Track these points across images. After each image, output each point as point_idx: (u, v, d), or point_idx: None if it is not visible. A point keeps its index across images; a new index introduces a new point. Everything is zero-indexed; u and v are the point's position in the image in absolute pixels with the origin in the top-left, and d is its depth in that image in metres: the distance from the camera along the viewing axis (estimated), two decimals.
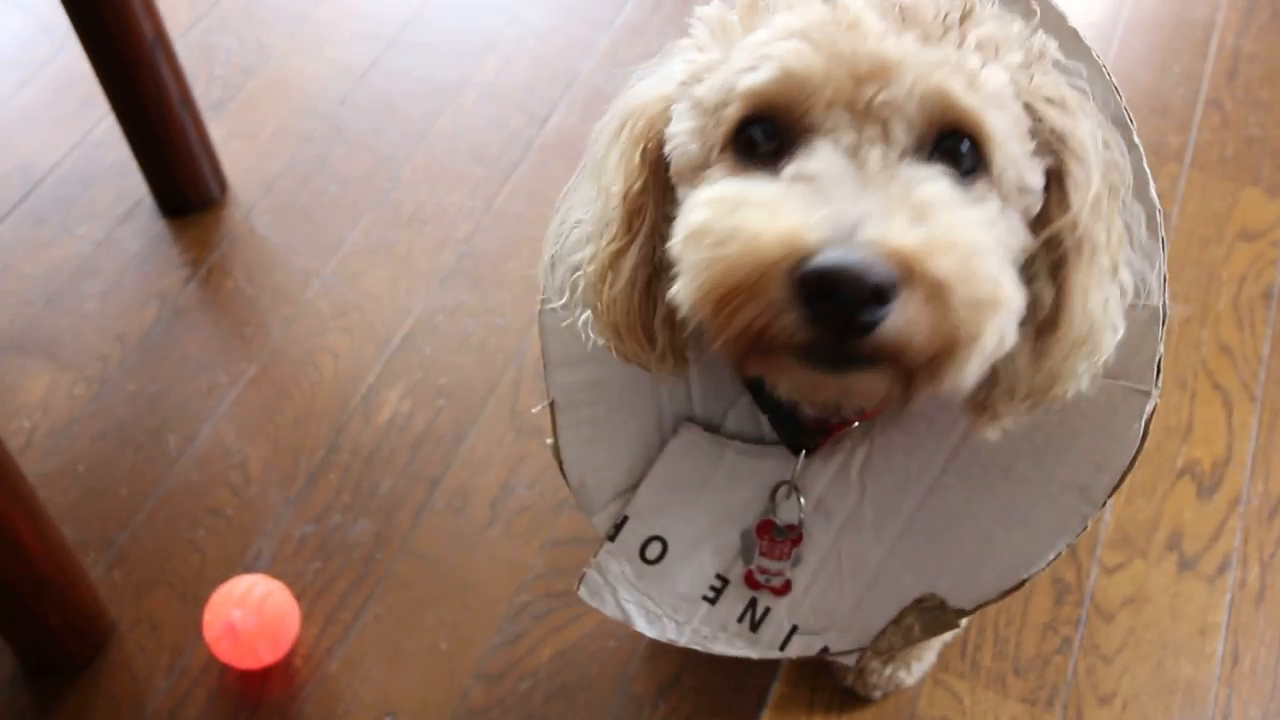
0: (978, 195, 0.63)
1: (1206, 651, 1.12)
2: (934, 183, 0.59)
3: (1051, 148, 0.65)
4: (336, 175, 1.53)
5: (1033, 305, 0.66)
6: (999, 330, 0.59)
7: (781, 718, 1.08)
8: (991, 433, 0.73)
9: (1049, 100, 0.65)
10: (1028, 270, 0.66)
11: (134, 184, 1.50)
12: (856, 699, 1.08)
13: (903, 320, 0.56)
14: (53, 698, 1.10)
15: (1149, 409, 0.77)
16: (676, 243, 0.62)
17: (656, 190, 0.70)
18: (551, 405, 0.84)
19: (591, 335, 0.75)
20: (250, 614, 1.07)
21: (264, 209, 1.50)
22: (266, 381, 1.33)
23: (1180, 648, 1.13)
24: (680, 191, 0.68)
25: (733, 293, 0.58)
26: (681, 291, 0.61)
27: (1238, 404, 1.29)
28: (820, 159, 0.60)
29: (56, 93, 1.63)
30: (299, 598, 1.15)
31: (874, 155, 0.60)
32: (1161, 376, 0.77)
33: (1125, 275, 0.69)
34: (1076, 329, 0.67)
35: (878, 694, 1.08)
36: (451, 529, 1.21)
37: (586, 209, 0.74)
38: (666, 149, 0.68)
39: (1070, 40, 0.72)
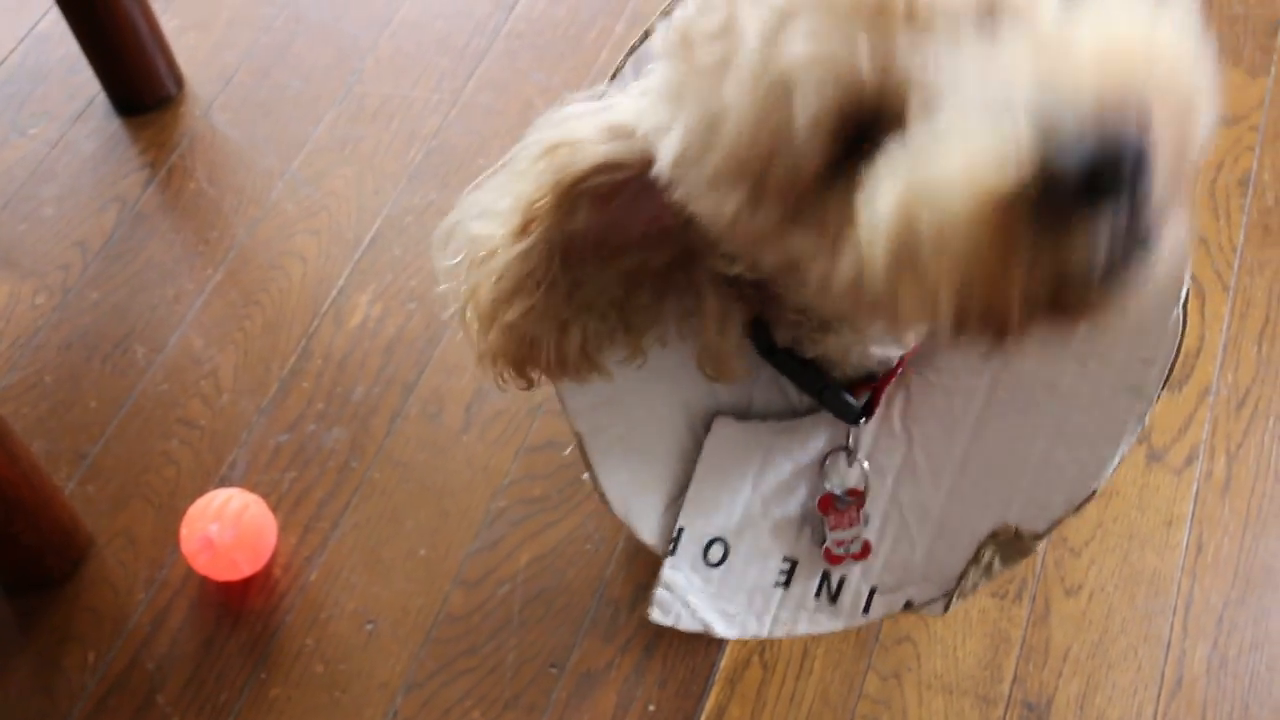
0: None
1: (1171, 542, 1.15)
2: None
3: None
4: (297, 68, 1.48)
5: None
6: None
7: None
8: None
9: None
10: None
11: (86, 80, 1.44)
12: None
13: (1160, 160, 0.46)
14: (35, 613, 1.11)
15: (1183, 293, 0.76)
16: (872, 249, 0.50)
17: (559, 222, 0.64)
18: (579, 438, 0.82)
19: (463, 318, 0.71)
20: (227, 527, 1.07)
21: (223, 105, 1.45)
22: (234, 287, 1.31)
23: (1146, 539, 1.15)
24: (768, 230, 0.57)
25: (986, 258, 0.47)
26: (907, 300, 0.51)
27: (1210, 294, 1.28)
28: (937, 68, 0.48)
29: None
30: (275, 508, 1.15)
31: (966, 26, 0.49)
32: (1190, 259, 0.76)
33: None
34: None
35: None
36: (426, 435, 1.21)
37: (497, 195, 0.69)
38: (705, 226, 0.61)
39: None
